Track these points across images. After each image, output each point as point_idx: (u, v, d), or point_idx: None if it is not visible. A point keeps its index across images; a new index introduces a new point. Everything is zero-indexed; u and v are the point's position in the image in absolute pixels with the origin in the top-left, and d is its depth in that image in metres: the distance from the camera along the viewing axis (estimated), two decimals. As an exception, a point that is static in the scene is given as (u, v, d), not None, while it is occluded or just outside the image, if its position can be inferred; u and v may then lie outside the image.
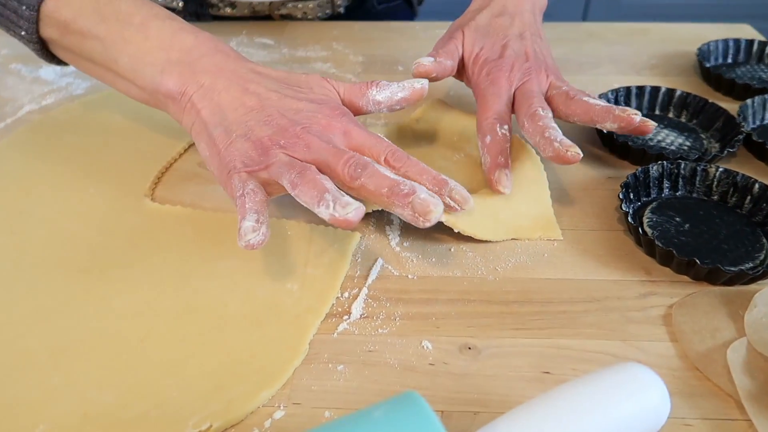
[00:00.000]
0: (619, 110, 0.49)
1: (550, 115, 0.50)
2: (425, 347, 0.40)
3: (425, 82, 0.48)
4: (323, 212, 0.38)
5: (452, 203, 0.42)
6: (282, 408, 0.36)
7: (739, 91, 0.65)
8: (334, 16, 0.85)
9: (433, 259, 0.47)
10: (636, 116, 0.48)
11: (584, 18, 1.78)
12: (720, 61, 0.72)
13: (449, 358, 0.39)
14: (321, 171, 0.41)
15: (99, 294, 0.43)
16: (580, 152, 0.46)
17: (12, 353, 0.39)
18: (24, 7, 0.49)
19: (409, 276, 0.45)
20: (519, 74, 0.53)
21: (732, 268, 0.44)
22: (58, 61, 0.54)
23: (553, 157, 0.47)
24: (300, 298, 0.43)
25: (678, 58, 0.74)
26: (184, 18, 0.52)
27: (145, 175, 0.55)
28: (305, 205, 0.39)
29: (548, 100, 0.52)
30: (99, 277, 0.45)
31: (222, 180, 0.43)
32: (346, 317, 0.42)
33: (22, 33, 0.51)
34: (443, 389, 0.37)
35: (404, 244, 0.48)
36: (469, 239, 0.47)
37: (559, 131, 0.48)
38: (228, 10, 0.81)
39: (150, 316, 0.41)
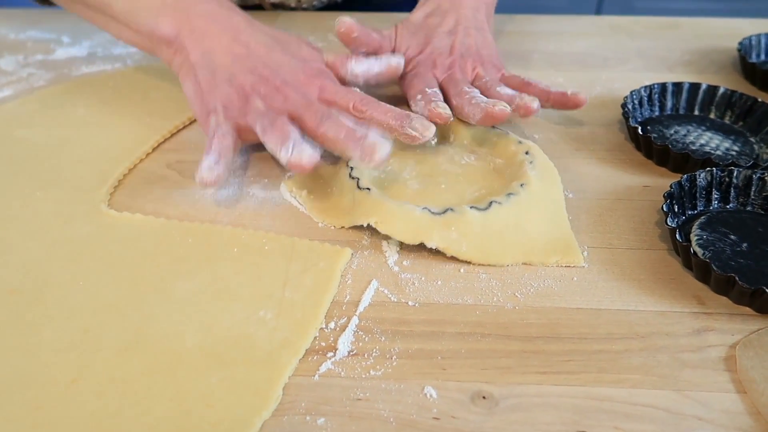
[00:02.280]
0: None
1: (478, 91, 0.49)
2: (428, 395, 0.32)
3: (401, 59, 0.51)
4: (283, 156, 0.41)
5: (414, 132, 0.43)
6: (243, 477, 0.28)
7: (790, 90, 0.57)
8: (331, 6, 0.77)
9: (439, 282, 0.38)
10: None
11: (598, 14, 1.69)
12: (763, 57, 0.64)
13: (459, 411, 0.31)
14: (293, 121, 0.44)
15: (28, 320, 0.35)
16: (508, 107, 0.46)
17: None
18: None
19: (410, 303, 0.37)
20: (441, 69, 0.52)
21: (809, 300, 0.36)
22: (49, 3, 0.61)
23: (484, 117, 0.46)
24: (275, 329, 0.35)
25: (715, 53, 0.66)
26: None
27: (103, 178, 0.47)
28: (271, 152, 0.43)
29: None
30: (32, 299, 0.37)
31: (201, 120, 0.46)
32: (330, 354, 0.34)
33: None
34: (451, 453, 0.29)
35: (404, 263, 0.40)
36: (482, 258, 0.39)
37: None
38: (214, -2, 0.74)
39: (86, 350, 0.33)
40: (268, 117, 0.43)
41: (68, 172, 0.48)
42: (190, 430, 0.29)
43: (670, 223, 0.40)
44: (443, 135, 0.50)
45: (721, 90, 0.54)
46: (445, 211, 0.40)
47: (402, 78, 0.54)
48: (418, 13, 0.57)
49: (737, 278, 0.35)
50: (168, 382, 0.32)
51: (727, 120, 0.54)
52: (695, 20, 0.74)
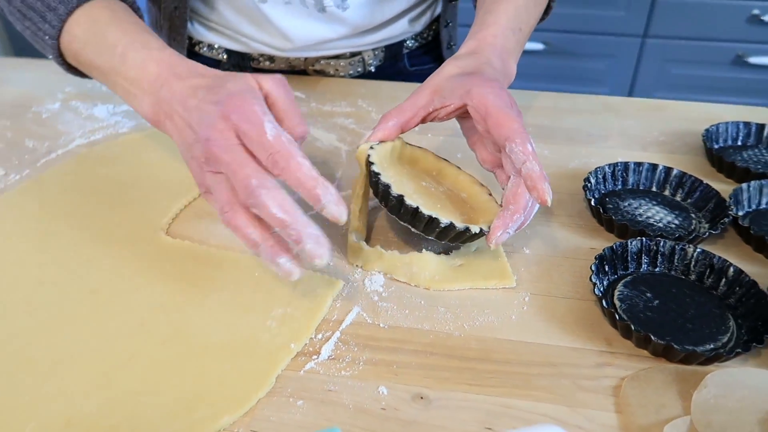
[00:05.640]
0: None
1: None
2: (381, 392, 0.43)
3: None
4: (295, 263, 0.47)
5: (327, 215, 0.44)
6: (239, 434, 0.40)
7: (740, 174, 0.66)
8: (365, 75, 0.91)
9: (407, 311, 0.50)
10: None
11: (631, 89, 1.78)
12: (729, 143, 0.73)
13: (401, 405, 0.42)
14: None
15: (102, 313, 0.49)
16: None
17: (16, 359, 0.44)
18: (47, 37, 0.58)
19: (381, 324, 0.49)
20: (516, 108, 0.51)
21: (688, 347, 0.45)
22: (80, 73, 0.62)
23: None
24: (276, 335, 0.47)
25: (688, 136, 0.76)
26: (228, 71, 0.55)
27: (164, 211, 0.61)
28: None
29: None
30: (106, 298, 0.50)
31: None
32: (315, 357, 0.46)
33: (50, 57, 0.60)
34: (389, 433, 0.40)
35: (383, 294, 0.51)
36: (448, 296, 0.51)
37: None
38: (267, 64, 0.88)
39: (141, 338, 0.46)
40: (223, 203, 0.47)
41: (138, 204, 0.62)
42: (207, 400, 0.42)
43: (594, 280, 0.50)
44: (416, 160, 0.58)
45: (675, 171, 0.64)
46: (409, 252, 0.52)
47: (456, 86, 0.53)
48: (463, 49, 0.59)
49: (632, 325, 0.45)
50: (196, 365, 0.44)
51: (678, 197, 0.63)
52: (681, 104, 0.84)
